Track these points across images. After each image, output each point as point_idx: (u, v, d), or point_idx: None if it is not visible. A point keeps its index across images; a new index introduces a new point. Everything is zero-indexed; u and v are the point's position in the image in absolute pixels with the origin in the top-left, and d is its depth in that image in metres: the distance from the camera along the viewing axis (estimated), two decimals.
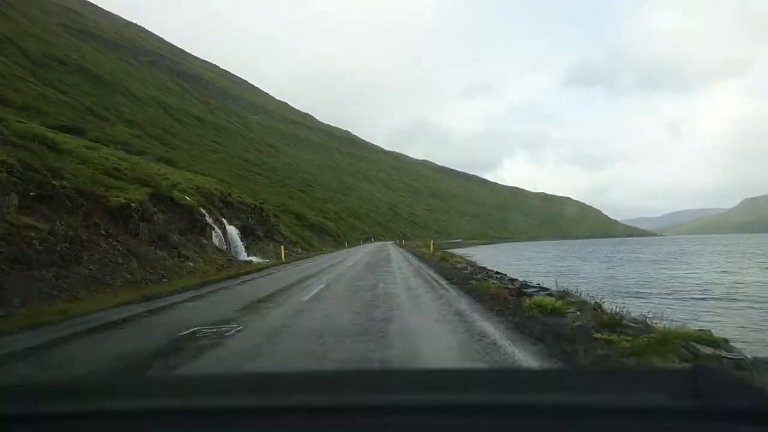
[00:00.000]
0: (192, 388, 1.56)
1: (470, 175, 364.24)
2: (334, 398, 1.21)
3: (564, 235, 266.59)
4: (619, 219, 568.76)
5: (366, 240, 74.77)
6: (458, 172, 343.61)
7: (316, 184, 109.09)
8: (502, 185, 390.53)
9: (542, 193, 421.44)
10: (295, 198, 64.63)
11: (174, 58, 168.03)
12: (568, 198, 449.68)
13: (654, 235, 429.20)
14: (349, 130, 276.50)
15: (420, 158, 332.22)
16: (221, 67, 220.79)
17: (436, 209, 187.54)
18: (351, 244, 59.39)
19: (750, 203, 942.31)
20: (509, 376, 1.55)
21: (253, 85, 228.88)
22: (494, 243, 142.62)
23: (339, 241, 50.47)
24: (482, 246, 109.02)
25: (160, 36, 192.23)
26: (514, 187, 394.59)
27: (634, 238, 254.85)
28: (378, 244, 66.13)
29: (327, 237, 48.30)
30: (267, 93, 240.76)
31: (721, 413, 0.84)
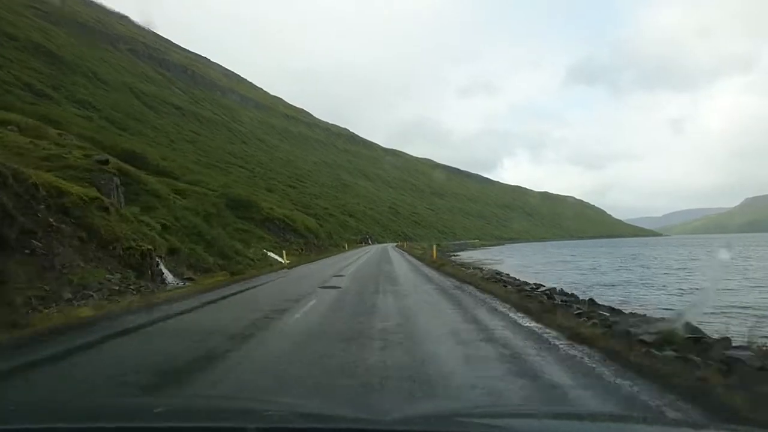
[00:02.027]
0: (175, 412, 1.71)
1: (472, 173, 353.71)
2: None
3: (571, 235, 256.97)
4: (620, 219, 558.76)
5: (362, 241, 63.07)
6: (460, 170, 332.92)
7: (309, 179, 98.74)
8: (505, 184, 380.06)
9: (546, 192, 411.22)
10: (274, 191, 54.42)
11: (159, 47, 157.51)
12: (572, 197, 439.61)
13: (659, 235, 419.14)
14: (347, 127, 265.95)
15: (420, 157, 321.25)
16: (212, 60, 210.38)
17: (438, 208, 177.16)
18: (326, 252, 39.39)
19: (752, 203, 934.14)
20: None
21: (245, 79, 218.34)
22: (503, 244, 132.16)
23: (319, 244, 38.08)
24: (493, 248, 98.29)
25: (147, 27, 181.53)
26: (517, 186, 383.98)
27: (648, 239, 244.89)
28: (375, 250, 44.61)
29: (294, 238, 34.90)
30: (261, 88, 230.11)
31: None
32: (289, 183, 75.91)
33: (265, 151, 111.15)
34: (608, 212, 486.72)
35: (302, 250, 34.14)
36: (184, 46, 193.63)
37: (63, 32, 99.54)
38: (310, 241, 38.41)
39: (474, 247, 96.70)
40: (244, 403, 2.24)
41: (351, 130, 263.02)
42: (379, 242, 72.09)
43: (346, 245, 48.40)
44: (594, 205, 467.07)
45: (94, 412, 1.81)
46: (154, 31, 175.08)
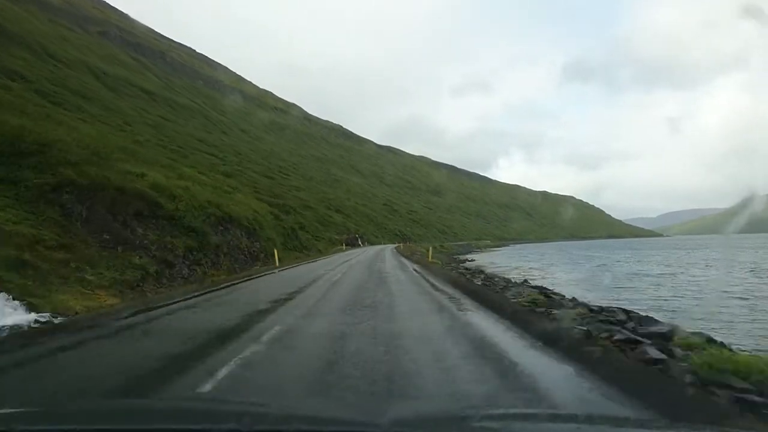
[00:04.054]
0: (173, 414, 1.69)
1: (470, 172, 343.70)
2: None
3: (572, 236, 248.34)
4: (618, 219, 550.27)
5: (348, 243, 50.19)
6: (457, 168, 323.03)
7: (294, 172, 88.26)
8: (504, 183, 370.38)
9: (545, 191, 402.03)
10: (234, 176, 44.10)
11: (138, 33, 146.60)
12: (571, 197, 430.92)
13: (660, 235, 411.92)
14: (341, 124, 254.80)
15: (417, 154, 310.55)
16: (198, 50, 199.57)
17: (436, 207, 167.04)
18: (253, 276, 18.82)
19: (749, 203, 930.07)
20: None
21: (232, 71, 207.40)
22: (507, 245, 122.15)
23: (251, 249, 22.81)
24: (503, 250, 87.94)
25: (129, 14, 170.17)
26: (516, 185, 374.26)
27: (658, 239, 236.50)
28: (354, 266, 23.46)
29: (157, 234, 15.45)
30: (250, 81, 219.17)
31: None
32: (267, 173, 65.41)
33: (248, 142, 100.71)
34: (607, 212, 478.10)
35: (160, 273, 14.43)
36: (168, 36, 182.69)
37: (17, 7, 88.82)
38: (224, 242, 20.01)
39: (479, 248, 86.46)
40: (238, 406, 2.16)
41: (345, 127, 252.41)
42: (371, 243, 60.70)
43: (276, 254, 23.79)
44: (593, 205, 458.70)
45: (90, 414, 1.73)
46: (132, 17, 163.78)
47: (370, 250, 42.70)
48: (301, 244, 31.12)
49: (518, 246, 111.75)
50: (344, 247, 47.40)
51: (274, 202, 35.79)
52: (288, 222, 31.74)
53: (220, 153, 67.01)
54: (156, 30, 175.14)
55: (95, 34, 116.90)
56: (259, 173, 61.90)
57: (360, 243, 53.90)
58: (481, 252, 72.20)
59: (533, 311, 8.90)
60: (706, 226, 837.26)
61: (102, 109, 57.08)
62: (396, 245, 53.84)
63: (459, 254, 54.31)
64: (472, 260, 40.60)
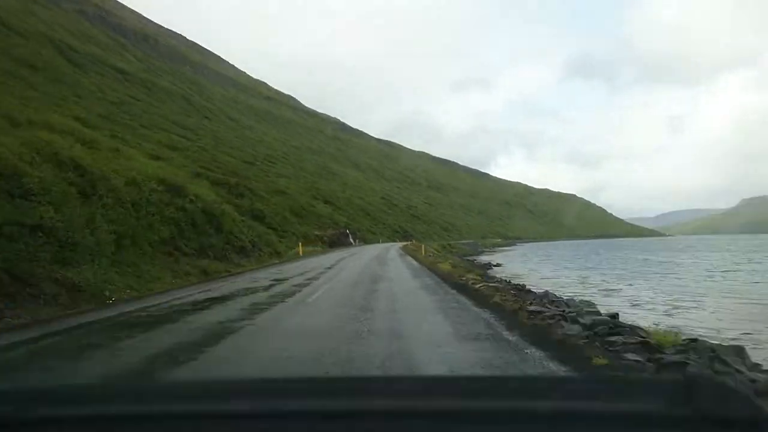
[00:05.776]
0: (190, 393, 1.60)
1: (471, 168, 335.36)
2: (331, 404, 1.19)
3: (577, 235, 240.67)
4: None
5: (333, 242, 37.57)
6: (458, 164, 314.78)
7: (284, 162, 79.94)
8: (505, 180, 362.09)
9: (547, 189, 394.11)
10: (184, 151, 35.84)
11: (121, 14, 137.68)
12: (574, 195, 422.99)
13: (663, 235, 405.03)
14: (338, 118, 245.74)
15: (417, 150, 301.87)
16: (188, 38, 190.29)
17: (437, 203, 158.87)
18: None
19: (749, 204, 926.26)
20: (509, 383, 1.70)
21: (226, 61, 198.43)
22: (514, 244, 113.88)
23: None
24: (514, 250, 79.38)
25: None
26: (518, 183, 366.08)
27: (664, 239, 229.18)
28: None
29: None
30: (244, 72, 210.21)
31: (713, 421, 0.84)
32: (248, 159, 57.12)
33: (234, 129, 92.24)
34: (608, 211, 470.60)
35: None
36: (159, 22, 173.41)
37: None
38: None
39: (487, 247, 78.17)
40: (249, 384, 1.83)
41: (342, 120, 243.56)
42: (367, 241, 51.36)
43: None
44: (595, 204, 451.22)
45: (103, 396, 1.58)
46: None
47: (360, 257, 27.76)
48: (231, 245, 18.99)
49: (528, 245, 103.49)
50: (299, 249, 29.60)
51: (222, 180, 26.78)
52: (199, 206, 19.04)
53: (195, 136, 58.62)
54: (146, 16, 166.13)
55: (72, 11, 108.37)
56: (238, 158, 53.51)
57: (352, 241, 43.63)
58: (493, 252, 63.73)
59: None
60: (706, 226, 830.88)
61: (50, 81, 48.59)
62: (402, 245, 43.16)
63: (471, 255, 45.87)
64: (498, 264, 31.94)
